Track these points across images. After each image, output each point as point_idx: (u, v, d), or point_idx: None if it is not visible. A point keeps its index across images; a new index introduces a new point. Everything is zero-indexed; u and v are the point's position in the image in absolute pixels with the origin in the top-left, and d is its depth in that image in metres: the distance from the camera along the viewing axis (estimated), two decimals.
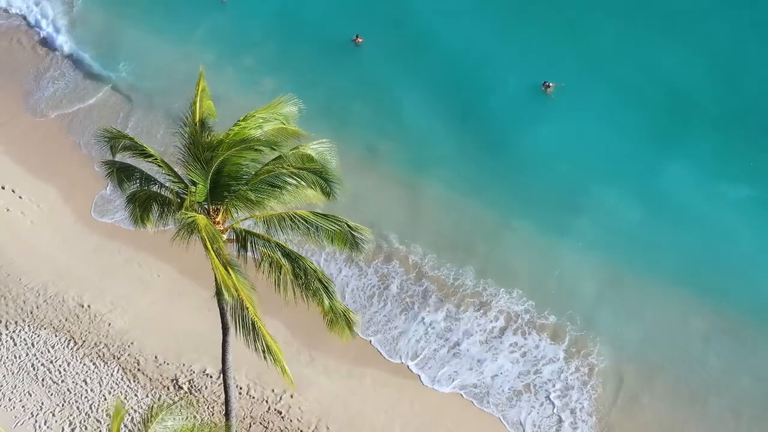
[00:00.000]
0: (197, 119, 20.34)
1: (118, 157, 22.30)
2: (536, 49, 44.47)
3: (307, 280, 20.10)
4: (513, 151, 39.73)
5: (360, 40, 44.82)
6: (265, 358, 20.16)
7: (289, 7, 47.64)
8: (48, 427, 29.05)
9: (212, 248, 19.30)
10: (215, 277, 21.33)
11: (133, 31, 46.92)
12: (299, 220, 20.22)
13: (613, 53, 44.01)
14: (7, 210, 36.73)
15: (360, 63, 44.32)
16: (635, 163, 38.95)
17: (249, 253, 20.74)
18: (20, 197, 37.29)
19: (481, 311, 33.51)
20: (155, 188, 21.36)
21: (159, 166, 21.10)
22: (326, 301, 20.33)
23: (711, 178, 37.95)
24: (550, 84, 42.03)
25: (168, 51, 45.45)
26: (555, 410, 30.51)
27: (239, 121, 20.15)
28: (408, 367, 31.85)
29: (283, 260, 20.20)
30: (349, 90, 42.74)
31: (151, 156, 21.21)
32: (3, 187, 37.49)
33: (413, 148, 40.02)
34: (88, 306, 33.11)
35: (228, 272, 19.88)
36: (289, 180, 19.69)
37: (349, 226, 20.35)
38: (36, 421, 29.23)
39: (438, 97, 42.36)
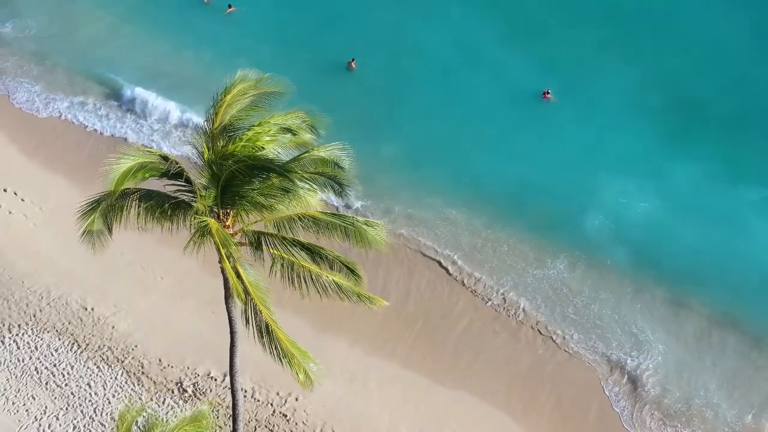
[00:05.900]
0: (217, 124, 20.08)
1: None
2: (533, 58, 44.03)
3: (330, 267, 20.07)
4: (517, 164, 39.38)
5: (354, 65, 44.27)
6: (280, 361, 20.03)
7: (286, 30, 47.02)
8: (52, 431, 28.91)
9: (224, 252, 19.17)
10: (224, 282, 21.21)
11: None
12: (310, 221, 20.23)
13: (615, 57, 43.86)
14: (9, 213, 36.56)
15: (356, 86, 43.61)
16: (643, 168, 38.99)
17: (263, 254, 20.58)
18: (22, 200, 37.11)
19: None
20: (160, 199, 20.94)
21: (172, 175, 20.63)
22: (352, 288, 20.25)
23: (720, 180, 38.02)
24: (550, 92, 41.87)
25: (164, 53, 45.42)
26: None
27: (254, 125, 19.86)
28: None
29: (301, 253, 20.12)
30: (347, 108, 41.59)
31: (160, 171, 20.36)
32: (5, 190, 37.30)
33: (411, 169, 39.52)
34: (92, 309, 32.97)
35: (240, 276, 19.78)
36: (301, 184, 19.58)
37: (359, 221, 20.33)
38: (40, 425, 29.07)
39: (436, 117, 41.94)
